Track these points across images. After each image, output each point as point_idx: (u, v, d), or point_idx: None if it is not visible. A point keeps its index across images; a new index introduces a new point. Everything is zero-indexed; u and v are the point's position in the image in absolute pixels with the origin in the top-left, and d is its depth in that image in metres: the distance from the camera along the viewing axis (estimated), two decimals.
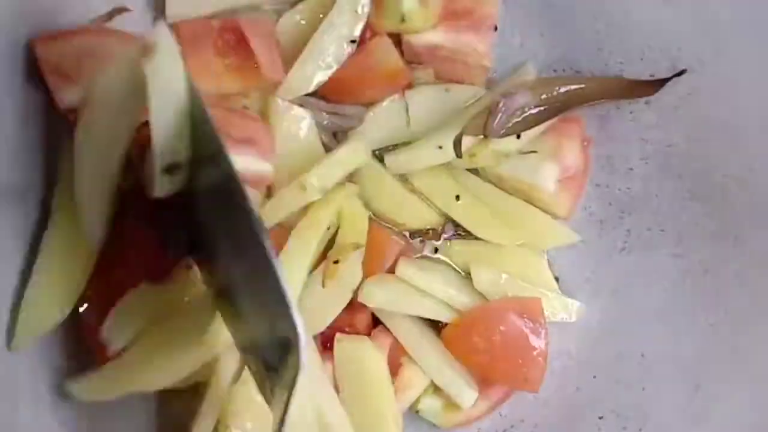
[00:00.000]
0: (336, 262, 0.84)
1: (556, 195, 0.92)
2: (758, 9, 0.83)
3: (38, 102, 0.74)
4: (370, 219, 0.90)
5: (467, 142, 0.88)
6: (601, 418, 0.91)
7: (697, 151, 0.89)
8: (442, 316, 0.90)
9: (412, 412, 0.93)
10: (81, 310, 0.77)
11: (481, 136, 0.88)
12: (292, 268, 0.82)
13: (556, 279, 0.95)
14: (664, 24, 0.87)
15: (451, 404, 0.92)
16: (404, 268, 0.89)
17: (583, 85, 0.90)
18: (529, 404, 0.93)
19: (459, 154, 0.87)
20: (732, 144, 0.87)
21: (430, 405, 0.92)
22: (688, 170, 0.90)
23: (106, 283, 0.77)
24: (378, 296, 0.88)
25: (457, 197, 0.92)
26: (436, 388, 0.92)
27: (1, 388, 0.70)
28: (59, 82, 0.73)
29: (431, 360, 0.90)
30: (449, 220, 0.94)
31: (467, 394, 0.90)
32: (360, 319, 0.90)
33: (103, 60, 0.73)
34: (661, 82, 0.88)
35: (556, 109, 0.89)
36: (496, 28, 0.92)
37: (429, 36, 0.90)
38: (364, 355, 0.87)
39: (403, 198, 0.92)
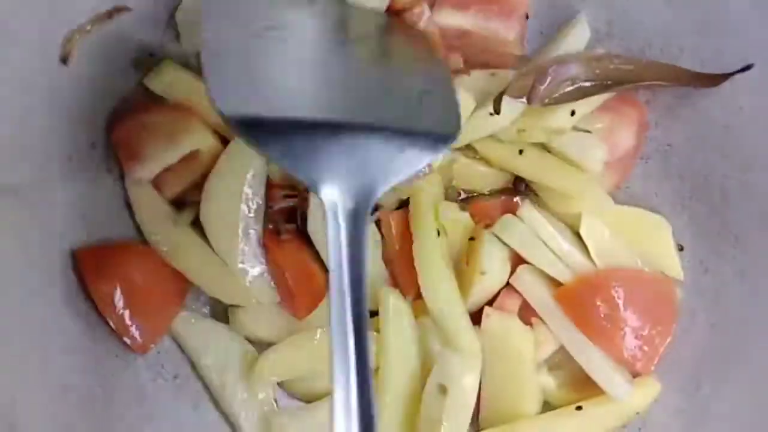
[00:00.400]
0: (472, 239, 0.86)
1: (601, 175, 0.90)
2: (759, 9, 0.83)
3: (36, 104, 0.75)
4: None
5: (513, 112, 0.86)
6: None
7: (696, 150, 0.89)
8: (560, 274, 0.87)
9: None
10: None
11: (530, 108, 0.86)
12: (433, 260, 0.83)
13: (680, 248, 0.91)
14: (665, 24, 0.87)
15: (567, 383, 0.89)
16: (527, 211, 0.87)
17: (641, 67, 0.87)
18: None
19: (497, 110, 0.85)
20: (732, 144, 0.87)
21: (545, 382, 0.89)
22: (688, 170, 0.90)
23: None
24: (510, 231, 0.87)
25: (520, 151, 0.89)
26: (551, 366, 0.90)
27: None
28: (129, 160, 0.83)
29: (582, 348, 0.86)
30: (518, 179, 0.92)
31: (622, 387, 0.85)
32: (510, 302, 0.88)
33: (166, 136, 0.83)
34: (725, 76, 0.84)
35: (608, 86, 0.86)
36: (527, 17, 0.91)
37: (458, 19, 0.89)
38: (513, 332, 0.86)
39: (468, 165, 0.91)
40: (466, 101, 0.87)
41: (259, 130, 0.62)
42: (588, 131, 0.88)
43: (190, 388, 0.89)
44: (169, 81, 0.84)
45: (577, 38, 0.90)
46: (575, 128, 0.88)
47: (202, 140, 0.84)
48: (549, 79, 0.84)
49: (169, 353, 0.88)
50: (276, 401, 0.89)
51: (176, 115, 0.84)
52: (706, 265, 0.90)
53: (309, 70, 0.70)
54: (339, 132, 0.65)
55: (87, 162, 0.82)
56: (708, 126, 0.88)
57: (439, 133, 0.71)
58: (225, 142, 0.86)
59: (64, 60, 0.75)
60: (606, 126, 0.90)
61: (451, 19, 0.89)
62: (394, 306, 0.84)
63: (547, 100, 0.85)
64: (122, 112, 0.84)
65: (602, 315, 0.84)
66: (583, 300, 0.85)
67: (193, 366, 0.88)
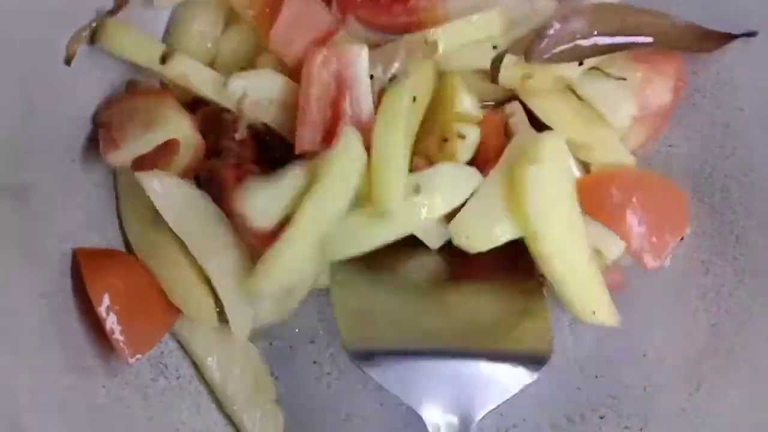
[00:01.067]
0: (445, 140, 0.80)
1: (629, 127, 0.86)
2: (759, 11, 0.83)
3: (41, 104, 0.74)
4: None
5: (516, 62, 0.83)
6: (602, 417, 0.91)
7: (698, 151, 0.90)
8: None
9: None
10: None
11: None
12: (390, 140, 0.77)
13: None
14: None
15: None
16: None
17: (645, 22, 0.83)
18: (530, 403, 0.92)
19: (495, 79, 0.82)
20: (732, 145, 0.88)
21: None
22: (689, 170, 0.91)
23: None
24: None
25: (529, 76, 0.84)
26: None
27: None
28: (108, 146, 0.81)
29: None
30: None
31: (614, 245, 0.83)
32: None
33: (143, 123, 0.81)
34: (729, 37, 0.83)
35: (610, 47, 0.83)
36: None
37: None
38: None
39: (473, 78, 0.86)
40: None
41: (374, 362, 0.74)
42: (623, 78, 0.83)
43: (192, 388, 0.88)
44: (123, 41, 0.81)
45: None
46: (609, 75, 0.84)
47: (178, 128, 0.82)
48: (547, 37, 0.81)
49: (172, 353, 0.88)
50: (277, 401, 0.89)
51: (154, 101, 0.82)
52: (707, 265, 0.90)
53: (415, 308, 0.81)
54: (441, 360, 0.75)
55: (89, 163, 0.82)
56: (709, 127, 0.89)
57: (533, 356, 0.76)
58: (202, 134, 0.83)
59: (68, 61, 0.75)
60: (639, 78, 0.85)
61: None
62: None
63: (546, 56, 0.81)
64: (109, 99, 0.83)
65: (615, 203, 0.82)
66: (599, 189, 0.83)
67: (196, 366, 0.88)
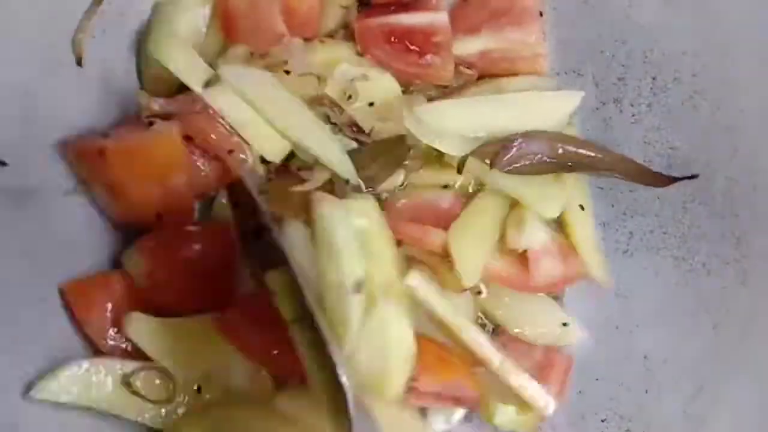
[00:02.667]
0: None
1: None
2: (759, 12, 0.83)
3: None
4: None
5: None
6: (603, 420, 0.91)
7: (699, 153, 0.90)
8: None
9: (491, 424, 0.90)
10: None
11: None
12: None
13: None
14: (667, 27, 0.88)
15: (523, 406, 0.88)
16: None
17: (597, 159, 0.89)
18: None
19: (460, 170, 0.85)
20: (734, 146, 0.87)
21: (506, 415, 0.88)
22: (690, 172, 0.90)
23: None
24: None
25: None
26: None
27: None
28: None
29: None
30: None
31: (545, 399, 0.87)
32: None
33: None
34: (672, 179, 0.89)
35: (567, 167, 0.89)
36: (541, 14, 0.92)
37: (474, 44, 0.90)
38: None
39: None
40: None
41: None
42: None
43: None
44: None
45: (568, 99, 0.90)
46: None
47: None
48: (514, 149, 0.86)
49: None
50: None
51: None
52: (708, 267, 0.90)
53: None
54: None
55: None
56: (710, 129, 0.88)
57: None
58: None
59: (79, 61, 0.76)
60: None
61: (468, 46, 0.90)
62: None
63: (510, 167, 0.86)
64: None
65: None
66: None
67: None
